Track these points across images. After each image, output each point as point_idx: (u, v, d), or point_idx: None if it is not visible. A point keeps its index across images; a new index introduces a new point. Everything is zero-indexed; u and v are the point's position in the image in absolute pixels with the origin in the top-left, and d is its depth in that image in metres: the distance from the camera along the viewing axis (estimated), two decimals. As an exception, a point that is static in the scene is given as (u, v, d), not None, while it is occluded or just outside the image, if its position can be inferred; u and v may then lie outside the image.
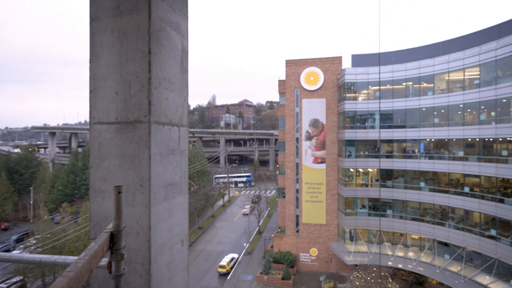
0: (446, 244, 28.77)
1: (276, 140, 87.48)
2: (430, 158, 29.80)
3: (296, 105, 36.89)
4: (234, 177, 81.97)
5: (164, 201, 2.43)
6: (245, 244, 43.17)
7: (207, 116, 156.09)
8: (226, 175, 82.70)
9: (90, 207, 2.29)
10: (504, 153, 23.83)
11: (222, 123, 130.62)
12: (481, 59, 25.39)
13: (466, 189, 26.83)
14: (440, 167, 28.87)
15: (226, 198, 67.37)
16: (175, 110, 2.67)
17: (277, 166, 44.96)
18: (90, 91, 2.35)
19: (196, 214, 50.27)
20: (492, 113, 24.92)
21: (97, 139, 2.30)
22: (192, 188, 53.75)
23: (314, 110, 36.31)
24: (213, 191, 62.01)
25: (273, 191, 71.93)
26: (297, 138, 36.93)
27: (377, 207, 32.91)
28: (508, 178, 23.45)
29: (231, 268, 36.47)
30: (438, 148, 30.00)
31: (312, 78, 36.31)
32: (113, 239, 1.54)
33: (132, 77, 2.29)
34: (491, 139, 25.04)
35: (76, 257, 1.42)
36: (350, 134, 33.56)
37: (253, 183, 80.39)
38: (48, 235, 31.34)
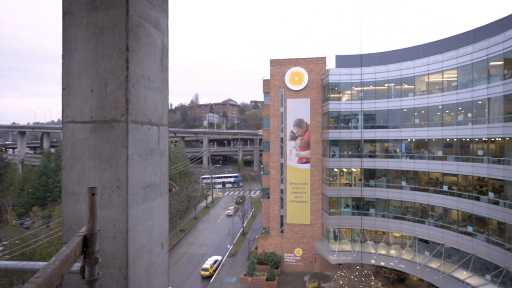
0: (426, 241, 29.84)
1: (260, 140, 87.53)
2: (411, 157, 30.78)
3: (281, 105, 37.12)
4: (222, 177, 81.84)
5: (143, 203, 2.39)
6: (228, 246, 43.03)
7: (189, 115, 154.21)
8: (214, 176, 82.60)
9: (62, 211, 2.21)
10: (480, 152, 25.05)
11: (205, 123, 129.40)
12: (459, 62, 26.41)
13: (445, 188, 27.95)
14: (421, 166, 29.91)
15: (210, 199, 66.85)
16: (155, 109, 2.63)
17: (262, 166, 45.15)
18: (63, 89, 2.28)
19: (178, 216, 49.58)
20: (469, 114, 26.08)
21: (70, 138, 2.22)
22: (173, 190, 52.91)
23: (298, 110, 36.66)
24: (196, 192, 61.37)
25: (258, 192, 72.05)
26: (281, 138, 37.15)
27: (361, 206, 33.70)
28: (484, 176, 24.65)
29: (215, 270, 36.24)
30: (419, 148, 31.06)
31: (297, 78, 36.69)
32: (87, 243, 1.50)
33: (108, 75, 2.23)
34: (468, 139, 26.26)
35: (45, 263, 1.37)
36: (334, 134, 34.17)
37: (241, 184, 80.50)
38: (16, 241, 29.89)
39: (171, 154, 58.47)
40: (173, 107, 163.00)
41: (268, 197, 38.08)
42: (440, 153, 28.50)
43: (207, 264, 36.07)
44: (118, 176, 2.17)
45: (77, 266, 1.60)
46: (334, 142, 34.49)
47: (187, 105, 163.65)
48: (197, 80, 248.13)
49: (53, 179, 61.60)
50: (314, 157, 36.39)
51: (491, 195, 23.87)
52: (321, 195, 36.23)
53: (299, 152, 36.74)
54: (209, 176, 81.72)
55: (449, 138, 27.79)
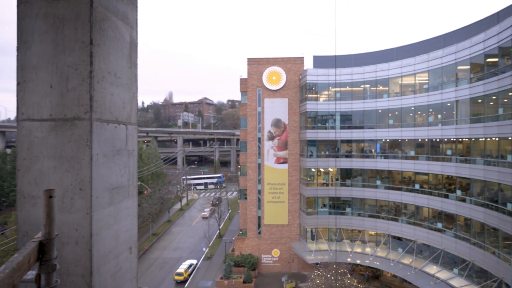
0: (399, 239, 31.15)
1: (237, 140, 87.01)
2: (386, 157, 32.04)
3: (258, 104, 37.16)
4: (204, 178, 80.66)
5: (109, 206, 2.31)
6: (204, 249, 42.57)
7: (163, 114, 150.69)
8: (196, 177, 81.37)
9: (17, 216, 2.08)
10: (449, 152, 26.63)
11: (179, 122, 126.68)
12: (430, 65, 27.77)
13: (417, 186, 29.42)
14: (394, 166, 31.18)
15: (184, 201, 65.68)
16: (122, 106, 2.55)
17: (239, 167, 44.93)
18: (18, 84, 2.15)
19: (150, 220, 48.29)
20: (439, 116, 27.65)
21: (26, 137, 2.10)
22: (145, 192, 51.45)
23: (276, 110, 36.89)
24: (170, 194, 60.10)
25: (235, 193, 71.85)
26: (259, 138, 37.17)
27: (337, 205, 34.68)
28: (452, 175, 26.25)
29: (189, 275, 35.70)
30: (393, 148, 32.43)
31: (275, 78, 36.90)
32: (43, 249, 1.43)
33: (70, 69, 2.14)
34: (437, 140, 27.83)
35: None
36: (312, 134, 34.71)
37: (224, 185, 79.41)
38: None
39: (142, 154, 56.73)
40: (145, 105, 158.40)
41: (245, 198, 38.02)
42: (412, 153, 29.95)
43: (182, 268, 35.45)
44: (81, 177, 2.08)
45: (32, 274, 1.52)
46: (312, 142, 34.97)
47: (161, 103, 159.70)
48: (172, 76, 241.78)
49: (9, 182, 57.51)
50: (291, 157, 36.77)
51: (458, 192, 25.49)
52: (299, 195, 36.67)
53: (277, 152, 37.01)
54: (191, 177, 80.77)
55: (421, 139, 29.27)
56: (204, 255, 41.28)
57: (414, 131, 29.53)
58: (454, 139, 26.14)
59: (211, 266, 38.43)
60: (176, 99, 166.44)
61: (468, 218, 24.53)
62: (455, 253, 25.55)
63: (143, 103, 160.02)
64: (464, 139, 25.53)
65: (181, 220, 56.17)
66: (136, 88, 2.83)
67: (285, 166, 36.86)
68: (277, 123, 36.96)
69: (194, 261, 38.27)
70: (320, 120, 35.29)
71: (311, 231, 35.34)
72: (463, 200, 24.92)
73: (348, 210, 34.33)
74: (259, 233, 37.10)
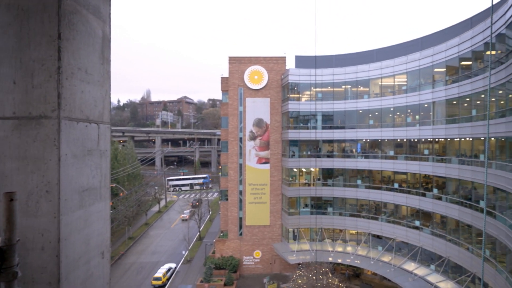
0: (379, 237, 32.14)
1: (218, 140, 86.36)
2: (366, 157, 32.86)
3: (240, 104, 37.03)
4: (189, 178, 79.34)
5: (79, 209, 2.23)
6: (184, 252, 41.98)
7: (140, 113, 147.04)
8: (181, 177, 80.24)
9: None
10: (426, 152, 27.76)
11: (158, 121, 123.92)
12: (408, 67, 28.75)
13: (396, 185, 30.46)
14: (374, 165, 32.02)
15: (163, 203, 64.42)
16: (94, 105, 2.48)
17: (220, 167, 44.51)
18: (-23, 79, 2.03)
19: (126, 223, 47.06)
20: (417, 117, 28.72)
21: (-14, 137, 1.99)
22: (121, 194, 50.04)
23: (258, 109, 36.86)
24: (147, 196, 58.81)
25: (216, 194, 71.26)
26: (240, 138, 37.02)
27: (319, 205, 35.13)
28: (429, 174, 27.36)
29: (168, 279, 35.09)
30: (373, 148, 33.33)
31: (256, 77, 36.84)
32: (3, 256, 1.36)
33: (36, 65, 2.05)
34: (415, 140, 28.95)
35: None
36: (294, 134, 35.06)
37: (210, 185, 78.09)
38: None
39: (118, 155, 55.09)
40: (121, 103, 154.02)
41: (227, 199, 37.81)
42: (392, 153, 30.95)
43: (160, 272, 34.77)
44: (47, 179, 2.00)
45: (-9, 283, 1.44)
46: (294, 142, 35.28)
47: (138, 102, 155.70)
48: (150, 73, 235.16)
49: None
50: (273, 157, 36.88)
51: (435, 191, 26.59)
52: (281, 196, 36.91)
53: (259, 153, 37.00)
54: (176, 178, 79.50)
55: (400, 139, 30.35)
56: (183, 258, 40.70)
57: (393, 131, 30.53)
58: (431, 139, 27.24)
59: (191, 270, 37.96)
60: (154, 98, 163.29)
61: (444, 215, 25.63)
62: (432, 250, 26.62)
63: (118, 101, 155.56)
64: (440, 139, 26.66)
65: (160, 223, 55.10)
66: (109, 85, 2.75)
67: (267, 166, 36.94)
68: (259, 123, 36.95)
69: (173, 265, 37.65)
70: (302, 120, 35.57)
71: (293, 232, 35.68)
72: (439, 199, 26.00)
73: (329, 209, 34.90)
74: (241, 234, 37.02)
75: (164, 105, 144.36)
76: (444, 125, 25.47)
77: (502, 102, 19.59)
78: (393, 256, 29.89)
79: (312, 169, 36.25)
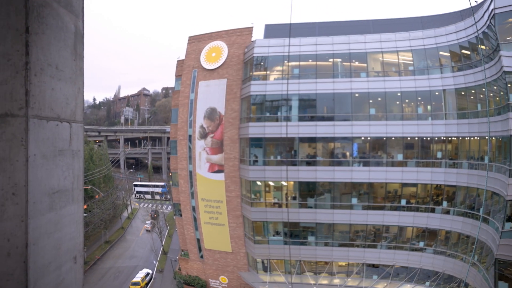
0: (374, 266, 25.46)
1: (168, 139, 62.32)
2: (365, 164, 23.73)
3: (192, 90, 28.50)
4: (150, 186, 71.40)
5: (49, 212, 2.15)
6: (155, 262, 40.99)
7: (112, 111, 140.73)
8: (143, 184, 72.91)
9: None
10: (439, 155, 22.58)
11: (122, 119, 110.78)
12: (412, 45, 23.65)
13: (403, 202, 23.86)
14: (377, 176, 23.53)
15: (130, 209, 61.78)
16: (65, 103, 2.40)
17: (170, 174, 36.07)
18: None
19: (102, 226, 45.29)
20: (429, 107, 23.19)
21: None
22: (97, 196, 48.10)
23: (211, 95, 27.72)
24: (118, 200, 56.80)
25: (170, 207, 59.47)
26: (190, 136, 28.49)
27: (296, 233, 25.80)
28: (440, 184, 22.55)
29: (146, 284, 34.24)
30: (376, 150, 24.56)
31: (214, 54, 27.82)
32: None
33: (1, 60, 1.95)
34: (428, 138, 23.12)
35: None
36: (257, 129, 25.09)
37: (168, 196, 64.46)
38: None
39: (94, 155, 52.90)
40: (97, 102, 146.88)
41: (180, 215, 30.58)
42: (400, 157, 23.48)
43: (138, 277, 33.75)
44: (14, 181, 1.91)
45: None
46: (257, 142, 25.41)
47: (112, 99, 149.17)
48: (123, 62, 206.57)
49: None
50: (229, 163, 26.83)
51: (445, 204, 22.84)
52: (242, 218, 27.17)
53: (210, 156, 27.58)
54: (140, 183, 73.08)
55: (410, 137, 23.57)
56: (156, 267, 39.70)
57: (402, 126, 23.01)
58: (444, 138, 22.45)
59: (164, 280, 37.04)
60: (123, 93, 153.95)
61: (448, 231, 22.64)
62: (431, 269, 23.17)
63: (94, 99, 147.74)
64: (453, 138, 22.49)
65: (130, 229, 53.40)
66: (82, 82, 2.67)
67: (221, 176, 27.06)
68: (211, 114, 27.59)
69: (150, 271, 36.81)
70: (269, 108, 25.62)
71: (263, 262, 27.08)
72: (448, 212, 22.66)
73: (311, 239, 25.56)
74: (202, 257, 29.91)
75: (128, 101, 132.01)
76: (456, 120, 21.50)
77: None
78: (389, 282, 24.41)
79: (284, 183, 25.38)
